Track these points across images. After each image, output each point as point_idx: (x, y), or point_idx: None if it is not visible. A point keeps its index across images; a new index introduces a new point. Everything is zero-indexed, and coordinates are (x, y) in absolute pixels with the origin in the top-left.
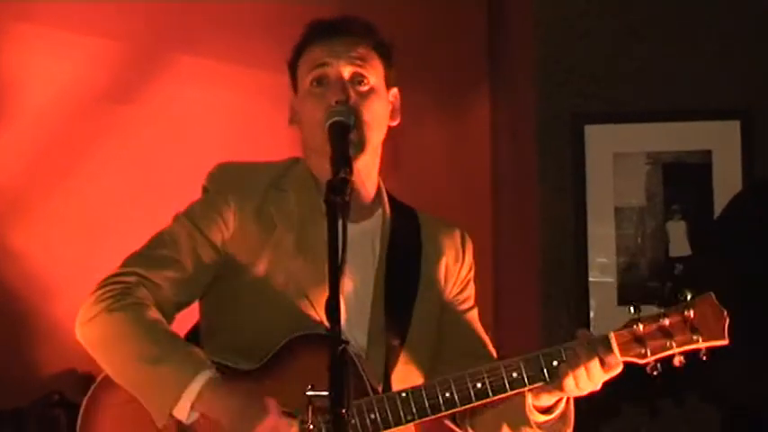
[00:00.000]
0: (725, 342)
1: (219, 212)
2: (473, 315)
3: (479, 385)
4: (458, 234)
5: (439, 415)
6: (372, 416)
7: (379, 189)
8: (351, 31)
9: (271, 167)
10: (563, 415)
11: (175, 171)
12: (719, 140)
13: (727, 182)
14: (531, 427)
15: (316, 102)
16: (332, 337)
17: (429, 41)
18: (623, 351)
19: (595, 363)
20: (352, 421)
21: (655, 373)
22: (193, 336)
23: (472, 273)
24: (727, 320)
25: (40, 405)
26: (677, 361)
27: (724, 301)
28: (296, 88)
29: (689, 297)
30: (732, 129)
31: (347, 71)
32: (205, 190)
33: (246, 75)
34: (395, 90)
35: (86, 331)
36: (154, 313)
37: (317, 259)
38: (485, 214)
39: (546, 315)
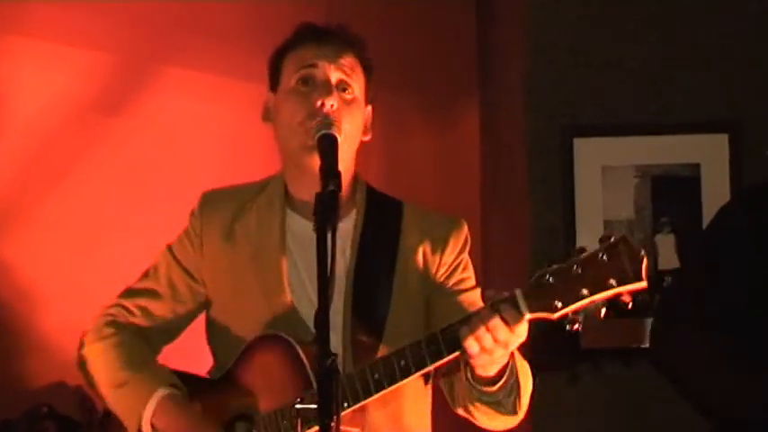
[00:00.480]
0: (643, 284)
1: (192, 241)
2: (465, 297)
3: (403, 363)
4: (444, 221)
5: (371, 398)
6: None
7: (354, 191)
8: (341, 38)
9: (248, 187)
10: (511, 385)
11: (165, 182)
12: (708, 154)
13: (715, 195)
14: (479, 401)
15: (299, 101)
16: (320, 351)
17: (418, 52)
18: (532, 306)
19: (497, 321)
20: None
21: (575, 327)
22: None
23: (463, 255)
24: (645, 261)
25: (29, 417)
26: (599, 312)
27: (713, 312)
28: (274, 85)
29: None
30: (721, 142)
31: (335, 76)
32: (189, 220)
33: (235, 86)
34: (369, 108)
35: (80, 369)
36: (128, 339)
37: (272, 267)
38: (474, 226)
39: (535, 326)
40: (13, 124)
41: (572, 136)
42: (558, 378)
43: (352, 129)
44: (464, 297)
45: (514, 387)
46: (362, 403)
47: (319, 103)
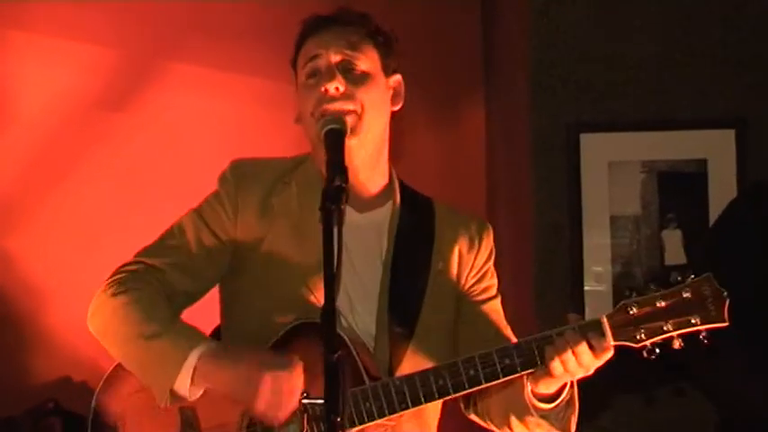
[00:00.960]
0: (725, 324)
1: (224, 206)
2: (492, 306)
3: (472, 372)
4: (475, 222)
5: (430, 401)
6: (367, 404)
7: (390, 180)
8: (341, 21)
9: (280, 162)
10: (566, 403)
11: (169, 178)
12: (715, 149)
13: (722, 190)
14: (533, 416)
15: (309, 94)
16: (326, 346)
17: (424, 50)
18: (616, 335)
19: (584, 347)
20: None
21: (652, 357)
22: (215, 336)
23: (491, 262)
24: (727, 302)
25: (34, 413)
26: (677, 344)
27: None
28: (296, 85)
29: (687, 279)
30: (727, 137)
31: (336, 58)
32: (218, 184)
33: (239, 82)
34: (397, 76)
35: (94, 321)
36: (155, 294)
37: (313, 246)
38: None
39: (541, 323)
40: (17, 121)
41: (578, 132)
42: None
43: (372, 99)
44: (491, 305)
45: (570, 404)
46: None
47: (323, 89)
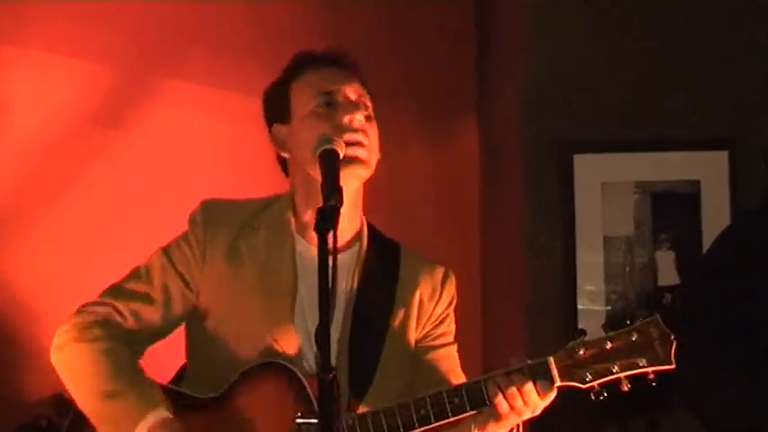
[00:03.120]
0: (671, 367)
1: (192, 249)
2: (446, 352)
3: (423, 412)
4: (440, 271)
5: None
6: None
7: (361, 222)
8: (346, 64)
9: (251, 204)
10: None
11: (164, 195)
12: (708, 170)
13: (715, 211)
14: None
15: (322, 121)
16: (321, 365)
17: (417, 67)
18: (563, 375)
19: (530, 386)
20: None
21: (601, 398)
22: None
23: (450, 309)
24: (674, 344)
25: (27, 429)
26: (624, 386)
27: (711, 331)
28: (281, 118)
29: (637, 321)
30: (720, 159)
31: (353, 95)
32: (188, 225)
33: (236, 100)
34: None
35: (56, 357)
36: (119, 347)
37: (277, 295)
38: (472, 242)
39: (534, 343)
40: (13, 136)
41: (572, 152)
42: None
43: (374, 142)
44: (445, 351)
45: None
46: None
47: (347, 119)
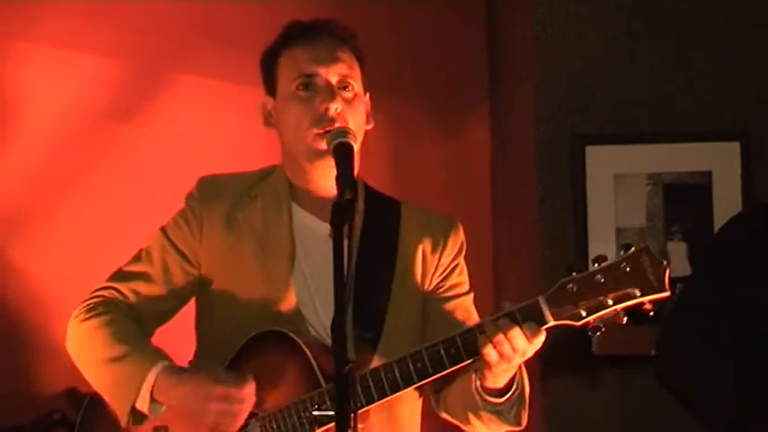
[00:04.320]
0: (666, 294)
1: (189, 223)
2: (460, 303)
3: (420, 365)
4: (442, 221)
5: (385, 399)
6: (325, 406)
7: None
8: (332, 36)
9: (247, 176)
10: (517, 397)
11: (176, 189)
12: (720, 161)
13: (727, 203)
14: (485, 411)
15: (302, 106)
16: (337, 358)
17: (428, 61)
18: (556, 314)
19: (516, 331)
20: (306, 414)
21: (598, 333)
22: None
23: (459, 259)
24: (668, 270)
25: (41, 423)
26: (621, 319)
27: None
28: (270, 89)
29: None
30: (732, 150)
31: (335, 77)
32: (184, 202)
33: (247, 93)
34: (368, 95)
35: (68, 345)
36: (122, 317)
37: (276, 262)
38: (484, 235)
39: (547, 335)
40: (25, 131)
41: (584, 144)
42: (573, 384)
43: (357, 124)
44: (459, 302)
45: (520, 398)
46: (375, 404)
47: (324, 108)
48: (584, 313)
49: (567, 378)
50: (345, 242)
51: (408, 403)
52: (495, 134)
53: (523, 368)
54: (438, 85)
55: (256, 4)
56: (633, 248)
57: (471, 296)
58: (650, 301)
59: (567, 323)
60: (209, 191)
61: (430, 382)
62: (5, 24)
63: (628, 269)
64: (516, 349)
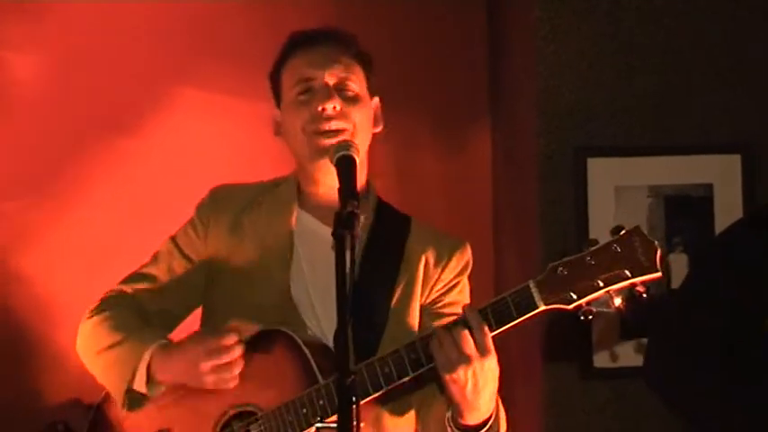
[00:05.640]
0: (658, 274)
1: (196, 228)
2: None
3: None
4: (451, 240)
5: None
6: (321, 402)
7: (366, 196)
8: (331, 42)
9: (259, 186)
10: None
11: (179, 202)
12: (721, 174)
13: (728, 215)
14: None
15: (301, 109)
16: (339, 370)
17: (430, 74)
18: (547, 298)
19: (461, 335)
20: (304, 411)
21: (590, 317)
22: None
23: (461, 278)
24: (659, 251)
25: None
26: (613, 303)
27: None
28: (278, 100)
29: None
30: (733, 162)
31: (332, 79)
32: (195, 210)
33: (248, 107)
34: (376, 99)
35: (78, 344)
36: (123, 311)
37: (275, 265)
38: (486, 248)
39: (549, 345)
40: (29, 143)
41: (585, 156)
42: (570, 372)
43: (361, 121)
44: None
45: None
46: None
47: (320, 108)
48: (574, 296)
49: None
50: (348, 253)
51: (403, 428)
52: (496, 147)
53: (501, 408)
54: (440, 99)
55: (259, 19)
56: (624, 230)
57: None
58: (642, 283)
59: (558, 307)
60: (220, 199)
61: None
62: (8, 33)
63: (619, 250)
64: (464, 353)
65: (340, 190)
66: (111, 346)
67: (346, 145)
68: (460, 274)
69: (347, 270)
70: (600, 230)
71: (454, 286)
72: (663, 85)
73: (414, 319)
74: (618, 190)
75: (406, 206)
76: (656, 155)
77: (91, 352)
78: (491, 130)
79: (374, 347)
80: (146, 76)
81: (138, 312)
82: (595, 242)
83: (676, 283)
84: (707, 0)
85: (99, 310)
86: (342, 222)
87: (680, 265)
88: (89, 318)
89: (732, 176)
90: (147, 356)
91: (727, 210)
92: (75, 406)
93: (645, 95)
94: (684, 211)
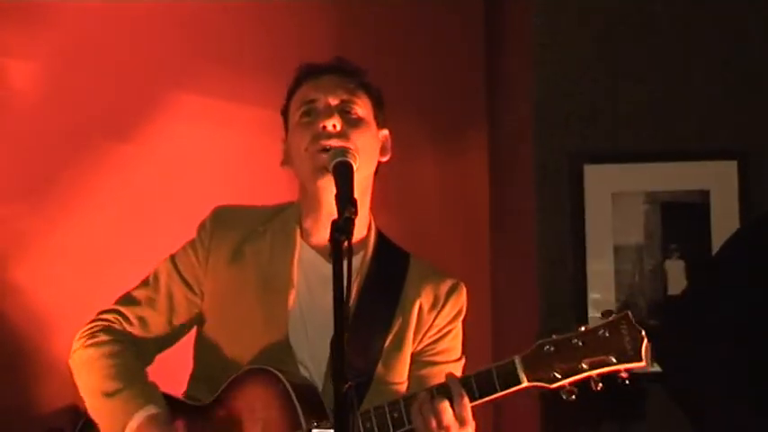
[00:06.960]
0: (642, 364)
1: (197, 253)
2: (445, 369)
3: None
4: (447, 282)
5: None
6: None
7: (369, 229)
8: (338, 70)
9: (263, 210)
10: None
11: (176, 208)
12: (717, 180)
13: (725, 221)
14: None
15: (304, 130)
16: (335, 376)
17: (427, 81)
18: (531, 375)
19: (442, 406)
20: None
21: (572, 397)
22: None
23: (454, 324)
24: (645, 340)
25: None
26: (594, 385)
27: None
28: (287, 130)
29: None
30: (730, 169)
31: (335, 100)
32: (196, 231)
33: (246, 112)
34: (385, 131)
35: (70, 363)
36: (122, 349)
37: (275, 298)
38: (482, 254)
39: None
40: (26, 148)
41: (582, 163)
42: None
43: (364, 143)
44: (444, 369)
45: None
46: None
47: (321, 125)
48: (558, 376)
49: None
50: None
51: None
52: (493, 154)
53: None
54: (437, 106)
55: (257, 25)
56: (614, 315)
57: (461, 363)
58: (626, 370)
59: (540, 385)
60: (221, 223)
61: None
62: (4, 40)
63: (606, 335)
64: (443, 425)
65: (337, 196)
66: (105, 394)
67: (343, 151)
68: (454, 319)
69: (344, 273)
70: (597, 236)
71: (447, 333)
72: (659, 91)
73: (404, 364)
74: (615, 196)
75: (403, 212)
76: (652, 161)
77: (86, 387)
78: (488, 135)
79: (362, 391)
80: (144, 82)
81: (136, 344)
82: (585, 322)
83: (673, 289)
84: (704, 7)
85: (99, 340)
86: (338, 228)
87: (676, 271)
88: (87, 345)
89: (729, 183)
90: (133, 425)
91: (724, 216)
92: (71, 412)
93: (641, 102)
94: (681, 218)
